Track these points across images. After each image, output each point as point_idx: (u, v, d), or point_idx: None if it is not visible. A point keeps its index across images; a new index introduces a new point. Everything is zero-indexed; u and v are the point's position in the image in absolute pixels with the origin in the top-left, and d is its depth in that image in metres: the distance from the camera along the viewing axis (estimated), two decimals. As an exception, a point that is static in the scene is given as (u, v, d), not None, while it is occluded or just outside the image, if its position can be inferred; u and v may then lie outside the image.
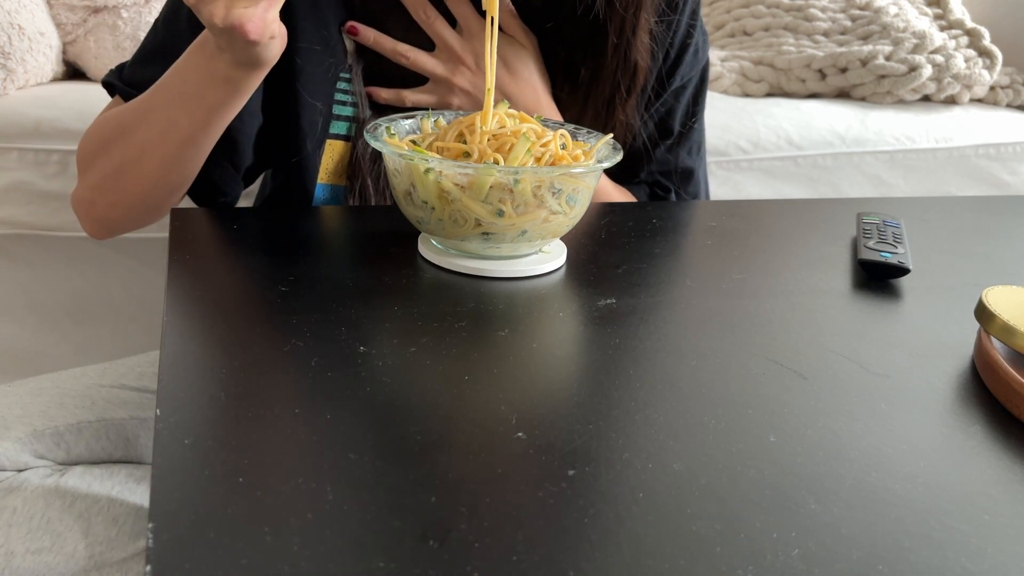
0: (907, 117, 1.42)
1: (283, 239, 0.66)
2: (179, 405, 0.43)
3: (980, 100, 1.53)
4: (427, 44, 0.78)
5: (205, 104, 0.66)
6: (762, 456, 0.42)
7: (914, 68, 1.44)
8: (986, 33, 1.53)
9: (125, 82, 0.76)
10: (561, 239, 0.67)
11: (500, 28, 0.65)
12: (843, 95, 1.50)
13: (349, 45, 0.77)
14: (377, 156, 0.78)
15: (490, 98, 0.62)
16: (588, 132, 0.67)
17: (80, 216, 0.76)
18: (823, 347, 0.54)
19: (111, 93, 0.77)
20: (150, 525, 0.35)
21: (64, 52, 1.28)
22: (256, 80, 0.66)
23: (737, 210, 0.81)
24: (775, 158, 1.32)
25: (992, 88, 1.53)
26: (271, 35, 0.60)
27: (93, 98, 1.15)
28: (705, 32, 0.87)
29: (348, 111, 0.78)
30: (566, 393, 0.47)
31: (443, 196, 0.58)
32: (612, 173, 0.86)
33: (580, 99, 0.81)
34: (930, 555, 0.37)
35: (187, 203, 0.76)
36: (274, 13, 0.59)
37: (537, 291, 0.60)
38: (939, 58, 1.46)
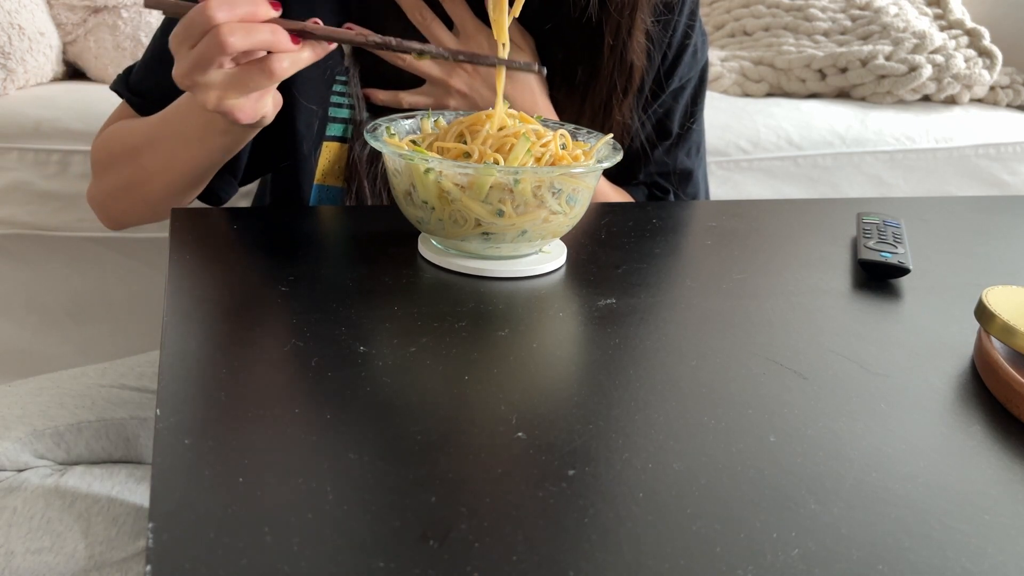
0: (907, 117, 1.42)
1: (283, 239, 0.66)
2: (179, 405, 0.43)
3: (980, 100, 1.54)
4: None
5: (205, 146, 0.68)
6: (762, 456, 0.42)
7: (914, 68, 1.44)
8: (986, 33, 1.53)
9: (132, 90, 0.79)
10: (561, 239, 0.67)
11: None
12: (843, 95, 1.50)
13: (346, 48, 0.77)
14: (373, 158, 0.78)
15: (500, 113, 0.63)
16: (588, 132, 0.67)
17: (95, 212, 0.80)
18: (823, 347, 0.54)
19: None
20: (150, 525, 0.35)
21: (64, 52, 1.28)
22: (253, 133, 0.68)
23: (737, 210, 0.81)
24: (775, 158, 1.32)
25: (992, 88, 1.53)
26: (263, 114, 0.62)
27: (93, 98, 1.15)
28: (704, 33, 0.87)
29: (344, 113, 0.78)
30: (566, 393, 0.47)
31: (443, 196, 0.58)
32: (610, 174, 0.86)
33: (577, 100, 0.81)
34: (930, 555, 0.37)
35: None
36: (266, 100, 0.61)
37: (537, 291, 0.60)
38: (939, 58, 1.46)
